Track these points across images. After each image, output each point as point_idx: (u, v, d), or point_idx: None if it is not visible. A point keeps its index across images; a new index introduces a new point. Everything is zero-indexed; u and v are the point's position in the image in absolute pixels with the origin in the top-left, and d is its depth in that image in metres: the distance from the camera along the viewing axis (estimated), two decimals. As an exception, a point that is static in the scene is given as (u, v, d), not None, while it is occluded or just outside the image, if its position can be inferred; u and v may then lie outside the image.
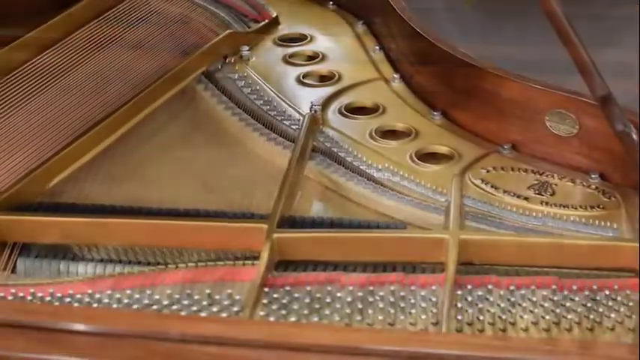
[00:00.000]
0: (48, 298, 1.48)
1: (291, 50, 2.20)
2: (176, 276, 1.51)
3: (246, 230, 1.54)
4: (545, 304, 1.45)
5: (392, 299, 1.45)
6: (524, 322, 1.42)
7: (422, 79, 2.03)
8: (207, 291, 1.46)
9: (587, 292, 1.47)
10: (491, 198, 1.70)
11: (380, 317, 1.42)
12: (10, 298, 1.48)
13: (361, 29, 2.29)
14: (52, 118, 1.91)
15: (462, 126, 1.92)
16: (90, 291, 1.48)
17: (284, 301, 1.45)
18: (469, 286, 1.47)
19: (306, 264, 1.53)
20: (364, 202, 1.71)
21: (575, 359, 1.25)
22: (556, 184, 1.74)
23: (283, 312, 1.43)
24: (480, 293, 1.47)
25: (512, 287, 1.47)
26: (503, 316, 1.43)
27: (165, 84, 1.97)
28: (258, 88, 2.01)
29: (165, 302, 1.45)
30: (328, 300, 1.45)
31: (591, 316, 1.43)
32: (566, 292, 1.47)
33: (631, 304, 1.44)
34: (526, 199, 1.70)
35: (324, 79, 2.09)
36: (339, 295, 1.46)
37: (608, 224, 1.62)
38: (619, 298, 1.45)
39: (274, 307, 1.44)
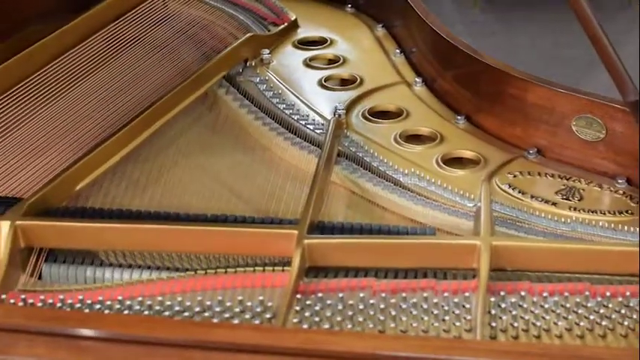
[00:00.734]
0: (78, 305, 1.47)
1: (311, 53, 2.18)
2: (206, 282, 1.49)
3: (277, 236, 1.53)
4: (579, 311, 1.44)
5: (425, 306, 1.44)
6: (558, 329, 1.41)
7: (445, 83, 2.02)
8: (239, 297, 1.45)
9: (620, 299, 1.45)
10: (520, 203, 1.69)
11: (414, 324, 1.41)
12: (39, 304, 1.47)
13: (381, 32, 2.28)
14: (72, 122, 1.91)
15: (487, 130, 1.91)
16: (120, 297, 1.47)
17: (316, 307, 1.44)
18: (502, 293, 1.46)
19: (336, 270, 1.52)
20: (391, 208, 1.70)
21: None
22: (583, 189, 1.73)
23: (316, 319, 1.42)
24: (513, 300, 1.45)
25: (545, 294, 1.46)
26: (538, 323, 1.42)
27: (186, 88, 1.95)
28: (280, 91, 2.00)
29: (197, 309, 1.44)
30: (361, 307, 1.44)
31: (625, 323, 1.42)
32: (599, 299, 1.46)
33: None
34: (554, 204, 1.70)
35: (346, 82, 2.08)
36: (371, 301, 1.45)
37: (638, 230, 1.61)
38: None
39: (307, 313, 1.42)
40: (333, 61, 2.16)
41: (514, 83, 1.87)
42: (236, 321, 1.41)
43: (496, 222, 1.63)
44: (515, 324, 1.42)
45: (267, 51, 2.13)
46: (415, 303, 1.44)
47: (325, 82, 2.07)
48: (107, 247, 1.58)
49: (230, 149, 1.87)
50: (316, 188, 1.63)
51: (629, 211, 1.68)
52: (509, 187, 1.73)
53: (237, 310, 1.43)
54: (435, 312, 1.43)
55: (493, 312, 1.43)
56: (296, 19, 2.28)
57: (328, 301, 1.45)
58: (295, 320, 1.42)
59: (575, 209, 1.68)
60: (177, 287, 1.49)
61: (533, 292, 1.47)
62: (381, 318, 1.42)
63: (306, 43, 2.22)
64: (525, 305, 1.45)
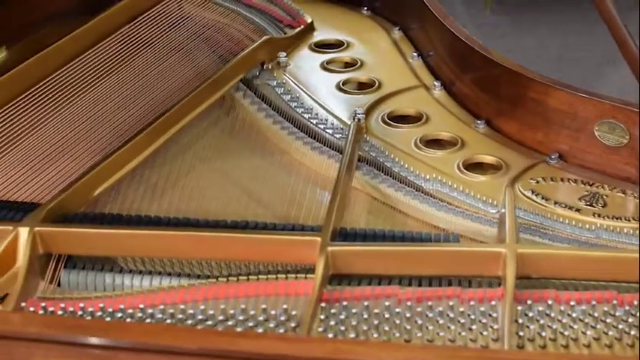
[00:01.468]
0: (99, 313, 1.44)
1: (328, 56, 2.16)
2: (229, 290, 1.47)
3: (300, 243, 1.51)
4: (607, 320, 1.41)
5: (451, 315, 1.42)
6: (586, 339, 1.39)
7: (464, 86, 2.00)
8: (263, 306, 1.43)
9: (648, 307, 1.44)
10: (543, 210, 1.68)
11: (440, 333, 1.39)
12: (59, 312, 1.45)
13: (397, 35, 2.26)
14: (88, 126, 1.89)
15: (507, 135, 1.89)
16: (142, 305, 1.45)
17: (341, 316, 1.42)
18: (529, 301, 1.44)
19: (359, 277, 1.50)
20: (413, 214, 1.69)
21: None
22: (607, 195, 1.71)
23: (341, 328, 1.40)
24: (540, 308, 1.43)
25: (572, 302, 1.44)
26: (565, 332, 1.40)
27: (203, 91, 1.93)
28: (297, 95, 1.98)
29: (220, 317, 1.42)
30: (387, 315, 1.42)
31: (654, 332, 1.40)
32: (627, 307, 1.44)
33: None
34: (578, 210, 1.68)
35: (364, 86, 2.06)
36: (397, 310, 1.43)
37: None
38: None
39: (332, 322, 1.40)
40: (350, 64, 2.14)
41: (535, 87, 1.85)
42: (260, 330, 1.39)
43: (520, 229, 1.60)
44: (543, 333, 1.40)
45: (284, 54, 2.11)
46: (441, 312, 1.42)
47: (343, 85, 2.05)
48: (127, 254, 1.56)
49: (248, 153, 1.85)
50: (338, 194, 1.61)
51: (654, 218, 1.66)
52: (532, 193, 1.71)
53: (260, 318, 1.41)
54: (462, 321, 1.41)
55: (520, 321, 1.41)
56: (312, 22, 2.26)
57: (353, 310, 1.43)
58: (320, 329, 1.39)
59: (599, 215, 1.67)
60: (200, 295, 1.47)
61: (560, 301, 1.45)
62: (408, 327, 1.40)
63: (322, 46, 2.21)
64: (552, 314, 1.43)
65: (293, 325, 1.40)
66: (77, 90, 1.97)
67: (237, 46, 2.13)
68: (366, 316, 1.41)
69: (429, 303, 1.44)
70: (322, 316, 1.41)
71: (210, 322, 1.41)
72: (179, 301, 1.46)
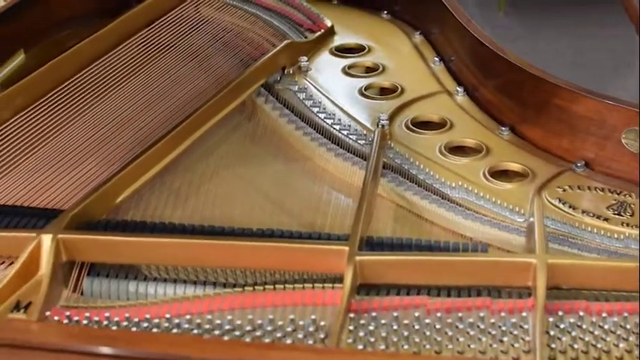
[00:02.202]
0: (124, 323, 1.43)
1: (349, 61, 2.14)
2: (255, 299, 1.45)
3: (328, 252, 1.49)
4: (640, 332, 1.40)
5: (482, 326, 1.40)
6: (619, 351, 1.37)
7: (487, 92, 1.98)
8: (291, 316, 1.41)
9: (681, 319, 1.42)
10: (571, 219, 1.65)
11: (472, 345, 1.37)
12: (84, 322, 1.43)
13: (418, 39, 2.23)
14: (109, 131, 1.88)
15: (532, 142, 1.87)
16: (168, 315, 1.43)
17: (370, 327, 1.40)
18: (560, 313, 1.42)
19: (387, 287, 1.48)
20: (439, 222, 1.67)
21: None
22: (634, 204, 1.69)
23: (371, 339, 1.38)
24: (571, 320, 1.42)
25: (604, 314, 1.42)
26: (598, 345, 1.38)
27: (225, 96, 1.92)
28: (320, 100, 1.96)
29: (248, 328, 1.40)
30: (416, 326, 1.40)
31: (688, 344, 1.38)
32: (660, 319, 1.42)
33: None
34: (606, 219, 1.66)
35: (386, 91, 2.04)
36: (426, 321, 1.41)
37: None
38: None
39: (361, 333, 1.39)
40: (371, 69, 2.12)
41: (561, 94, 1.82)
42: (288, 341, 1.38)
43: (548, 238, 1.59)
44: (575, 345, 1.38)
45: (305, 58, 2.09)
46: (472, 323, 1.40)
47: (365, 90, 2.02)
48: (151, 262, 1.54)
49: (271, 160, 1.83)
50: (365, 202, 1.59)
51: (683, 227, 1.64)
52: (560, 201, 1.69)
53: (289, 329, 1.40)
54: (493, 332, 1.39)
55: (551, 333, 1.39)
56: (332, 26, 2.24)
57: (382, 321, 1.41)
58: (349, 340, 1.38)
59: (627, 225, 1.64)
60: (226, 304, 1.45)
61: (591, 312, 1.43)
62: (438, 339, 1.38)
63: (343, 51, 2.18)
64: (584, 326, 1.41)
65: (322, 336, 1.38)
66: (97, 94, 1.96)
67: (258, 51, 2.11)
68: (395, 327, 1.40)
69: (459, 314, 1.42)
70: (351, 327, 1.40)
71: (237, 333, 1.40)
72: (205, 311, 1.44)
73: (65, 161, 1.78)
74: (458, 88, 2.02)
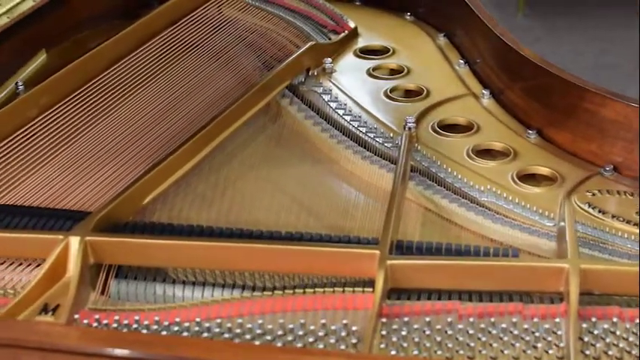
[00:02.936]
0: (154, 327, 1.41)
1: (373, 63, 2.13)
2: (286, 303, 1.44)
3: (358, 256, 1.48)
4: (674, 339, 1.38)
5: (515, 332, 1.39)
6: (653, 358, 1.36)
7: (513, 95, 1.97)
8: (322, 321, 1.39)
9: None
10: (601, 223, 1.64)
11: (505, 351, 1.36)
12: (114, 325, 1.42)
13: (442, 42, 2.22)
14: (133, 132, 1.87)
15: (559, 145, 1.85)
16: (198, 319, 1.41)
17: (403, 332, 1.38)
18: (593, 319, 1.40)
19: (418, 292, 1.47)
20: (468, 226, 1.65)
21: None
22: (664, 209, 1.68)
23: (404, 344, 1.37)
24: (605, 326, 1.40)
25: (637, 320, 1.40)
26: (633, 352, 1.36)
27: (249, 98, 1.90)
28: (345, 102, 1.95)
29: (279, 332, 1.39)
30: (449, 332, 1.39)
31: None
32: (691, 325, 1.40)
33: None
34: (636, 224, 1.64)
35: (411, 94, 2.02)
36: (459, 326, 1.40)
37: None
38: None
39: (394, 338, 1.37)
40: (396, 71, 2.10)
41: (590, 98, 1.81)
42: (320, 345, 1.36)
43: (579, 243, 1.57)
44: (610, 352, 1.36)
45: (330, 60, 2.08)
46: (504, 328, 1.39)
47: (390, 92, 2.01)
48: (180, 265, 1.53)
49: (296, 162, 1.82)
50: (395, 206, 1.58)
51: None
52: (589, 206, 1.67)
53: (320, 333, 1.38)
54: (526, 338, 1.38)
55: (585, 339, 1.38)
56: (356, 28, 2.23)
57: (415, 325, 1.39)
58: (382, 345, 1.36)
59: (657, 230, 1.63)
60: (256, 308, 1.44)
61: (624, 318, 1.42)
62: (471, 344, 1.37)
63: (367, 52, 2.17)
64: (618, 332, 1.39)
65: (354, 341, 1.37)
66: (120, 95, 1.95)
67: (281, 52, 2.10)
68: (427, 332, 1.38)
69: (492, 319, 1.41)
70: (383, 332, 1.38)
71: (268, 337, 1.38)
72: (235, 315, 1.43)
73: (90, 162, 1.77)
74: (483, 90, 2.01)
